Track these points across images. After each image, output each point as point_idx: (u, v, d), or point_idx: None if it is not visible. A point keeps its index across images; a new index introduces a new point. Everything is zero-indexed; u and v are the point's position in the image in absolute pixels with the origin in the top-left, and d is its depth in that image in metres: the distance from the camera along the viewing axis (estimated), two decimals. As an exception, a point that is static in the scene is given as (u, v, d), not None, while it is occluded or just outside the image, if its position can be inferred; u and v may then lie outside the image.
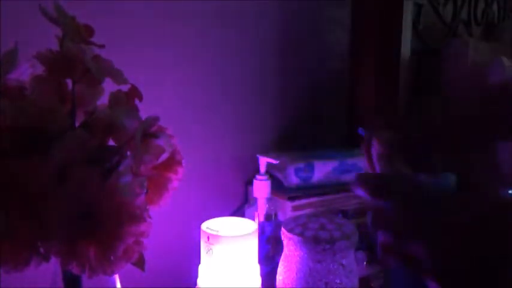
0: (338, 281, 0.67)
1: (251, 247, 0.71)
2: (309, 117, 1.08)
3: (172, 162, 0.50)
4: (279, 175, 0.93)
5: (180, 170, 0.51)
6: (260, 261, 0.74)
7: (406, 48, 1.05)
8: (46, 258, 0.42)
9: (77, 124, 0.46)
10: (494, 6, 1.30)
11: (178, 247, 0.89)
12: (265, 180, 0.87)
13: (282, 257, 0.74)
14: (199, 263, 0.72)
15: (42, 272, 0.44)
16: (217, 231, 0.70)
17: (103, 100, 0.48)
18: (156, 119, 0.46)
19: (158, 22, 0.85)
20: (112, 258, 0.41)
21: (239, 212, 0.97)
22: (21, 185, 0.39)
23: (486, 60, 0.84)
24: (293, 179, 0.91)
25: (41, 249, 0.42)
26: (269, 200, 0.87)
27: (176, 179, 0.51)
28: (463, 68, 0.96)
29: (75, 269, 0.40)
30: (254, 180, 0.88)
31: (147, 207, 0.45)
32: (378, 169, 0.29)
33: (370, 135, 0.30)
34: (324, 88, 1.11)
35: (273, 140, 1.03)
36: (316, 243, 0.66)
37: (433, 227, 0.24)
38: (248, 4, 0.96)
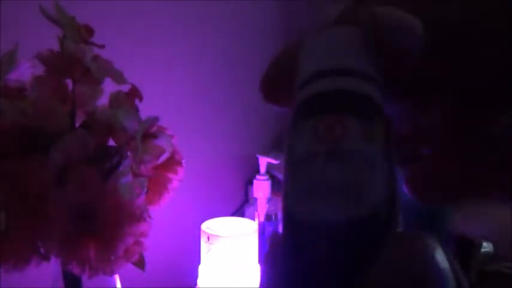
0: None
1: (251, 247, 0.71)
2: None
3: (172, 162, 0.50)
4: (279, 175, 0.93)
5: (180, 170, 0.51)
6: (260, 261, 0.74)
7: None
8: (46, 258, 0.42)
9: (77, 124, 0.46)
10: None
11: (178, 247, 0.89)
12: (265, 180, 0.87)
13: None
14: (199, 263, 0.72)
15: (42, 272, 0.44)
16: (217, 231, 0.70)
17: (103, 100, 0.48)
18: (156, 119, 0.46)
19: (159, 22, 0.85)
20: (112, 258, 0.41)
21: (239, 212, 0.97)
22: (21, 185, 0.39)
23: None
24: (293, 179, 0.91)
25: (41, 249, 0.42)
26: (269, 200, 0.87)
27: (176, 179, 0.51)
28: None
29: (75, 269, 0.40)
30: (254, 180, 0.88)
31: (147, 207, 0.45)
32: None
33: None
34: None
35: (273, 140, 1.03)
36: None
37: None
38: (248, 4, 0.96)
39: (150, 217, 0.44)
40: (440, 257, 0.14)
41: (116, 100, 0.47)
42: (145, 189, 0.45)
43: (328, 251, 0.15)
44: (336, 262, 0.15)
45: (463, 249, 0.83)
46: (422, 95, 0.17)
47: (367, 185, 0.15)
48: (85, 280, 0.46)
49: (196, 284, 0.73)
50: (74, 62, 0.44)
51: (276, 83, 0.19)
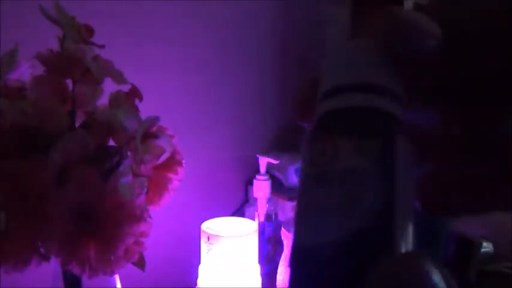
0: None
1: (251, 247, 0.71)
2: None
3: (172, 163, 0.50)
4: (279, 175, 0.93)
5: (180, 170, 0.51)
6: (260, 261, 0.74)
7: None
8: (46, 258, 0.42)
9: (77, 124, 0.46)
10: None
11: (178, 247, 0.89)
12: (265, 180, 0.87)
13: (283, 257, 0.74)
14: (199, 263, 0.72)
15: (42, 272, 0.44)
16: (217, 231, 0.70)
17: (103, 100, 0.48)
18: (156, 119, 0.46)
19: (159, 22, 0.85)
20: (112, 258, 0.41)
21: (239, 212, 0.97)
22: (21, 185, 0.39)
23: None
24: (293, 179, 0.91)
25: (41, 249, 0.42)
26: (269, 200, 0.87)
27: (176, 179, 0.51)
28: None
29: (75, 269, 0.40)
30: (254, 180, 0.88)
31: (147, 207, 0.45)
32: None
33: None
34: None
35: (273, 140, 1.03)
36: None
37: None
38: (248, 5, 0.96)
39: (150, 217, 0.44)
40: (437, 279, 0.14)
41: (116, 100, 0.47)
42: (145, 189, 0.45)
43: (314, 273, 0.15)
44: (323, 283, 0.15)
45: (463, 249, 0.83)
46: (425, 95, 0.17)
47: (355, 202, 0.15)
48: (85, 280, 0.46)
49: (196, 284, 0.73)
50: (74, 62, 0.44)
51: (308, 103, 0.20)
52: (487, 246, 0.83)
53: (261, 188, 0.87)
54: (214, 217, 0.75)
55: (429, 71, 0.16)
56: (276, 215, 0.87)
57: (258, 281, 0.72)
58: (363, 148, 0.16)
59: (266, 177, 0.88)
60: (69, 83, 0.46)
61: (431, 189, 0.18)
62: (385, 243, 0.15)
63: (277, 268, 0.76)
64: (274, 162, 0.87)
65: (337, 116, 0.17)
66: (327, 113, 0.17)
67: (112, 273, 0.42)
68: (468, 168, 0.17)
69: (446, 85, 0.17)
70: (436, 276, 0.14)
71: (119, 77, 0.46)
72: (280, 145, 1.03)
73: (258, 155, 0.90)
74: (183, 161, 0.51)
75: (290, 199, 0.89)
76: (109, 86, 0.47)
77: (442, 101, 0.17)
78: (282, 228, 0.73)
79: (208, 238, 0.69)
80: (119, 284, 0.51)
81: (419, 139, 0.17)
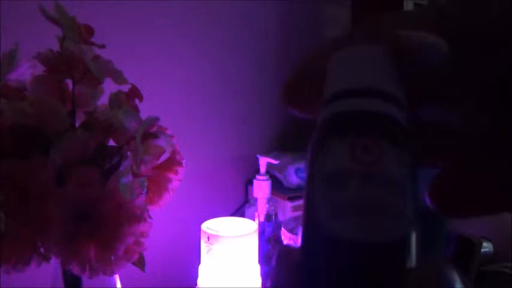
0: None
1: (251, 247, 0.71)
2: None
3: (172, 163, 0.50)
4: (279, 175, 0.93)
5: (180, 170, 0.51)
6: (260, 261, 0.74)
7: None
8: (46, 258, 0.42)
9: (77, 124, 0.46)
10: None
11: (178, 247, 0.89)
12: (265, 180, 0.87)
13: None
14: (199, 263, 0.72)
15: (42, 272, 0.44)
16: (217, 231, 0.70)
17: (103, 100, 0.48)
18: (156, 119, 0.46)
19: (158, 22, 0.85)
20: (112, 258, 0.41)
21: (239, 212, 0.97)
22: (21, 185, 0.39)
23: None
24: (293, 179, 0.91)
25: (41, 249, 0.42)
26: (269, 200, 0.87)
27: (176, 179, 0.51)
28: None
29: (75, 269, 0.40)
30: (254, 180, 0.88)
31: (147, 207, 0.45)
32: None
33: None
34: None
35: (273, 140, 1.03)
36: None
37: None
38: (248, 4, 0.96)
39: (150, 217, 0.44)
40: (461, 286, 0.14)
41: (116, 100, 0.47)
42: (145, 189, 0.45)
43: (361, 269, 0.15)
44: (364, 281, 0.15)
45: (463, 249, 0.83)
46: (436, 101, 0.18)
47: (401, 208, 0.15)
48: (85, 280, 0.46)
49: (196, 284, 0.73)
50: (74, 62, 0.44)
51: (300, 91, 0.19)
52: (487, 246, 0.83)
53: (261, 188, 0.87)
54: (214, 217, 0.75)
55: (439, 80, 0.17)
56: (276, 215, 0.87)
57: (258, 281, 0.72)
58: (402, 156, 0.16)
59: (266, 177, 0.88)
60: (69, 83, 0.46)
61: (440, 189, 0.18)
62: (401, 254, 0.15)
63: (277, 268, 0.76)
64: (274, 162, 0.87)
65: (378, 119, 0.17)
66: (368, 113, 0.17)
67: (112, 273, 0.42)
68: (480, 169, 0.17)
69: (458, 90, 0.17)
70: (459, 285, 0.14)
71: (119, 77, 0.46)
72: (280, 145, 1.03)
73: (258, 155, 0.90)
74: (183, 161, 0.51)
75: (290, 199, 0.89)
76: (109, 86, 0.47)
77: (453, 105, 0.17)
78: (282, 228, 0.73)
79: (208, 238, 0.69)
80: (118, 284, 0.51)
81: (431, 141, 0.18)
